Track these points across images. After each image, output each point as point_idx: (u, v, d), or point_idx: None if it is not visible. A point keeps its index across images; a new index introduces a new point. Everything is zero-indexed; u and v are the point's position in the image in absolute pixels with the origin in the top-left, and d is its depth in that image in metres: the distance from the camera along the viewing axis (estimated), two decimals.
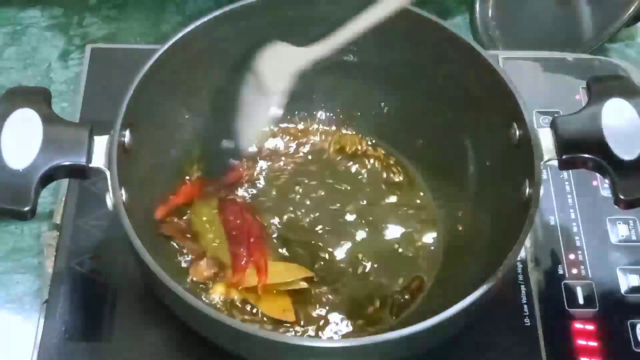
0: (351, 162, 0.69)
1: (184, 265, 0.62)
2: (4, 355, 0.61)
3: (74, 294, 0.61)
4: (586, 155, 0.53)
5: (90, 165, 0.52)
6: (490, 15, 0.82)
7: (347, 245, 0.64)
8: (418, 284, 0.63)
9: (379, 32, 0.63)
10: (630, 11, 0.75)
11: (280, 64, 0.61)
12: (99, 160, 0.53)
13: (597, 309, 0.62)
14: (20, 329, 0.62)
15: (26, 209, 0.50)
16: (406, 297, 0.62)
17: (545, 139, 0.55)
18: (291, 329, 0.60)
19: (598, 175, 0.55)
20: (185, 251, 0.62)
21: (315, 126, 0.71)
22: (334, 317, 0.60)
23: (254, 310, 0.60)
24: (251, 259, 0.61)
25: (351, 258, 0.63)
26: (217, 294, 0.60)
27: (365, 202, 0.66)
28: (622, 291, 0.63)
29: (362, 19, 0.59)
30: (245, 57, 0.65)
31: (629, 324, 0.61)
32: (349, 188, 0.67)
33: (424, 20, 0.61)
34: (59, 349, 0.59)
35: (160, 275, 0.49)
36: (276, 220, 0.65)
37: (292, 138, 0.70)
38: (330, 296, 0.61)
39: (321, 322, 0.60)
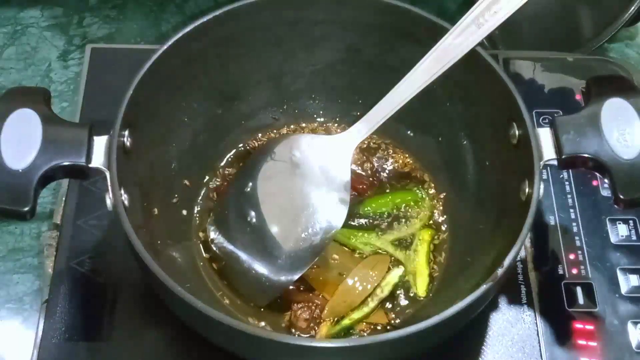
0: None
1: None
2: (4, 355, 0.61)
3: (74, 294, 0.61)
4: (586, 155, 0.53)
5: (89, 165, 0.52)
6: None
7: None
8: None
9: (378, 31, 0.64)
10: (630, 11, 0.75)
11: (335, 156, 0.62)
12: (98, 160, 0.53)
13: (597, 309, 0.62)
14: (20, 329, 0.62)
15: (26, 209, 0.50)
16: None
17: (545, 139, 0.55)
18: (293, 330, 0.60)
19: (598, 175, 0.55)
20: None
21: (315, 125, 0.71)
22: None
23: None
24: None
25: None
26: (323, 334, 0.60)
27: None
28: (622, 291, 0.63)
29: (393, 96, 0.59)
30: (244, 57, 0.65)
31: (629, 324, 0.61)
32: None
33: (424, 20, 0.61)
34: (59, 349, 0.59)
35: (160, 275, 0.49)
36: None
37: None
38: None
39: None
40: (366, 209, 0.65)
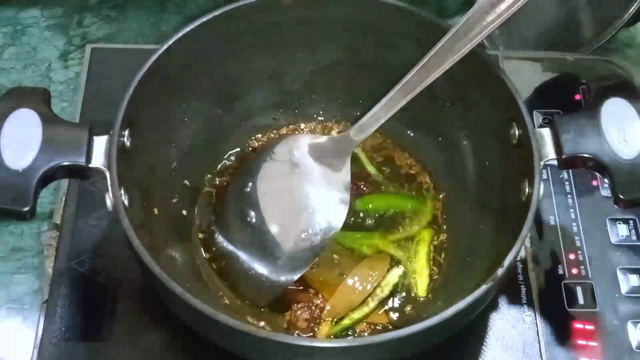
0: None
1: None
2: (4, 355, 0.61)
3: (74, 294, 0.61)
4: (586, 155, 0.53)
5: (89, 165, 0.52)
6: None
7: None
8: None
9: (378, 31, 0.64)
10: (630, 11, 0.74)
11: (335, 156, 0.62)
12: (98, 160, 0.53)
13: (597, 309, 0.62)
14: (20, 329, 0.62)
15: (26, 209, 0.50)
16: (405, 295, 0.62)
17: (545, 139, 0.55)
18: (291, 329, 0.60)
19: (598, 175, 0.55)
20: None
21: (315, 125, 0.71)
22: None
23: None
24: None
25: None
26: (324, 334, 0.60)
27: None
28: (622, 291, 0.63)
29: (395, 95, 0.59)
30: (244, 57, 0.65)
31: (629, 324, 0.61)
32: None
33: (423, 20, 0.61)
34: (59, 349, 0.59)
35: (160, 276, 0.49)
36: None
37: None
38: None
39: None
40: (367, 207, 0.65)
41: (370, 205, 0.65)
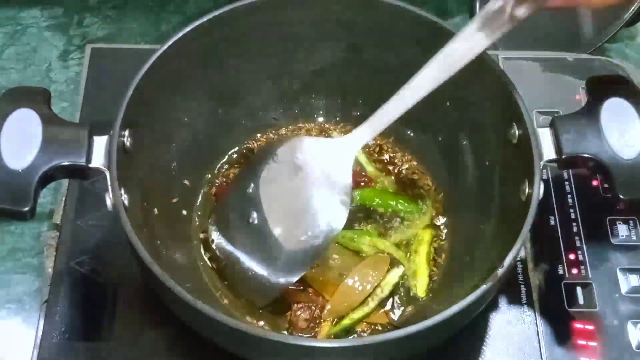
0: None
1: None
2: (4, 355, 0.61)
3: (74, 294, 0.61)
4: (586, 155, 0.53)
5: (89, 165, 0.52)
6: None
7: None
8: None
9: (378, 31, 0.64)
10: (630, 11, 0.75)
11: (337, 159, 0.61)
12: (98, 160, 0.53)
13: (597, 309, 0.62)
14: (20, 329, 0.62)
15: (26, 209, 0.50)
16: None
17: (545, 139, 0.55)
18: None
19: (598, 175, 0.55)
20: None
21: (315, 125, 0.71)
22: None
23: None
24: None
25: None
26: (324, 334, 0.60)
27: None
28: (622, 291, 0.63)
29: (397, 100, 0.58)
30: (244, 57, 0.65)
31: (629, 323, 0.61)
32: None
33: (423, 20, 0.61)
34: (59, 349, 0.59)
35: (159, 275, 0.49)
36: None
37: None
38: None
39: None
40: (365, 202, 0.65)
41: (368, 202, 0.65)
